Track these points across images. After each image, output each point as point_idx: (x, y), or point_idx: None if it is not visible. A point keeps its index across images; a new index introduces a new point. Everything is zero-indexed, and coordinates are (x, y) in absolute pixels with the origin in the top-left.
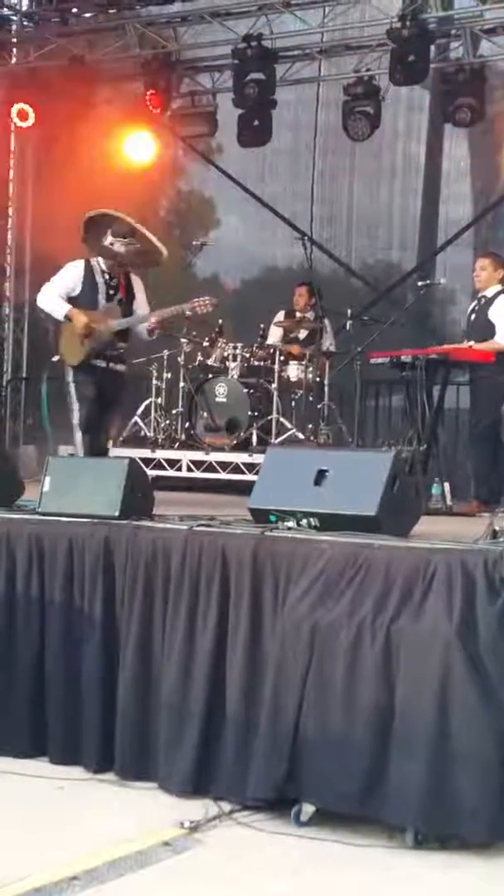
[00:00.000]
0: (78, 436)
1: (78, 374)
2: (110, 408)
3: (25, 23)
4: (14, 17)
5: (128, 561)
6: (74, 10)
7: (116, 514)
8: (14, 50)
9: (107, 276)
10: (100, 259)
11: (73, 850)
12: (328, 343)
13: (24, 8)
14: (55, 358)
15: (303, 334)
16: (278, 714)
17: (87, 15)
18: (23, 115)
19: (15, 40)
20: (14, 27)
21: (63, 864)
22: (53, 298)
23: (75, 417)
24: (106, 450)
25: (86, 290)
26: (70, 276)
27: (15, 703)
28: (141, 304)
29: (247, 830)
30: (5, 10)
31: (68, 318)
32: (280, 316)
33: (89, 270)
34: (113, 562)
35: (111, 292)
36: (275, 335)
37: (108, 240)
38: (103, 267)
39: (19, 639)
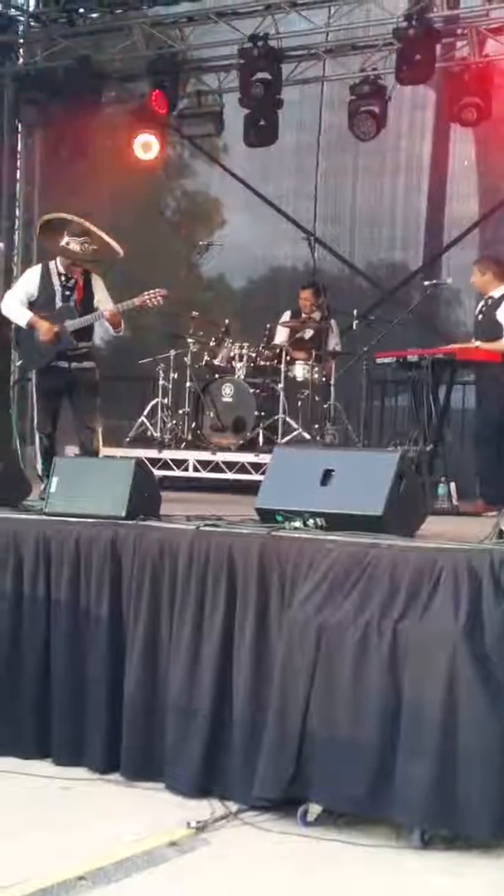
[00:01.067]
0: (37, 438)
1: (39, 377)
2: (86, 407)
3: (32, 23)
4: (21, 18)
5: (134, 561)
6: (81, 10)
7: (123, 514)
8: (21, 51)
9: (63, 278)
10: (58, 261)
11: (79, 850)
12: (334, 343)
13: (31, 8)
14: (19, 363)
15: (309, 334)
16: (285, 714)
17: (94, 15)
18: (31, 116)
19: (22, 41)
20: (21, 28)
21: (70, 864)
22: (15, 305)
23: (35, 420)
24: (97, 450)
25: (42, 293)
26: (28, 282)
27: (20, 705)
28: (102, 301)
29: (253, 830)
30: (12, 10)
31: (30, 325)
32: (286, 316)
33: (46, 273)
34: (120, 562)
35: (67, 293)
36: (281, 335)
37: (65, 240)
38: (60, 269)
39: (25, 639)
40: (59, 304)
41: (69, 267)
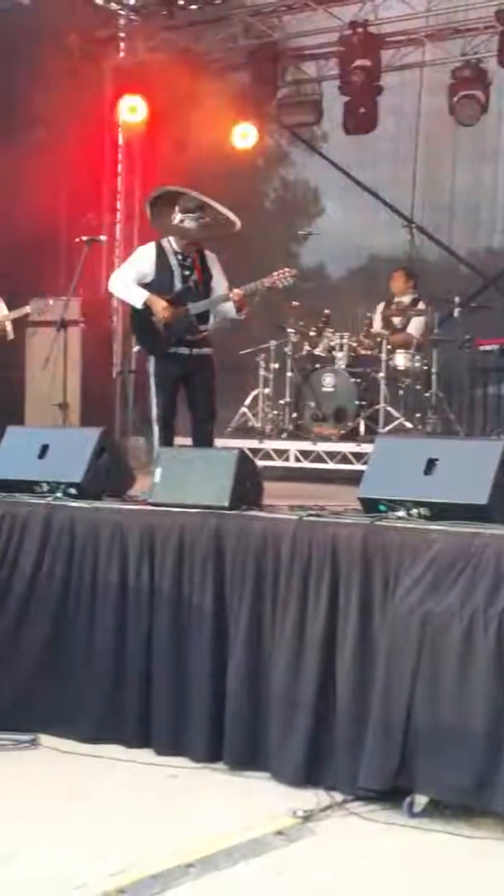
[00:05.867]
0: (155, 430)
1: (158, 364)
2: (205, 396)
3: (132, 17)
4: (122, 12)
5: (237, 551)
6: (181, 2)
7: (226, 504)
8: (122, 44)
9: (180, 257)
10: (171, 239)
11: (187, 838)
12: (429, 328)
13: (132, 2)
14: (136, 348)
15: (405, 321)
16: (389, 704)
17: (193, 7)
18: (133, 109)
19: (123, 35)
20: (122, 22)
21: (178, 851)
22: (127, 285)
23: (153, 411)
24: (212, 442)
25: (160, 273)
26: (142, 261)
27: (124, 693)
28: (218, 282)
29: (359, 820)
30: (113, 4)
31: (147, 304)
32: (383, 305)
33: (161, 252)
34: (223, 552)
35: (186, 273)
36: (379, 324)
37: (177, 217)
38: (176, 247)
39: (129, 629)
40: (178, 285)
41: (185, 246)
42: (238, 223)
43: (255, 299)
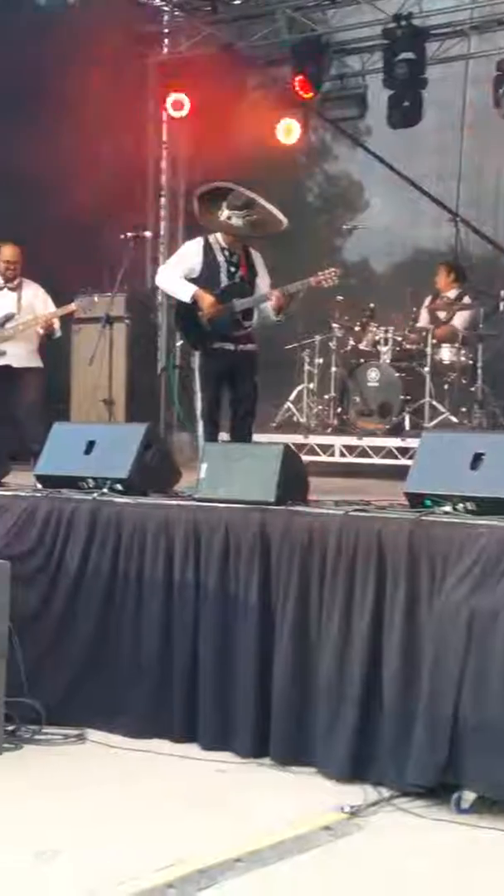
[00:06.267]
0: (199, 426)
1: (203, 359)
2: (247, 393)
3: (176, 13)
4: (165, 8)
5: (283, 546)
6: None
7: (272, 499)
8: (166, 40)
9: (227, 253)
10: (218, 236)
11: (235, 832)
12: (474, 322)
13: None
14: (179, 343)
15: (450, 315)
16: (437, 700)
17: (237, 2)
18: (177, 105)
19: (166, 31)
20: (165, 18)
21: (226, 846)
22: (174, 280)
23: (198, 407)
24: (250, 434)
25: (206, 269)
26: (189, 256)
27: (170, 688)
28: (263, 280)
29: (407, 816)
30: (156, 1)
31: (194, 299)
32: (429, 300)
33: (208, 247)
34: (269, 547)
35: (232, 270)
36: (426, 318)
37: (225, 214)
38: (223, 243)
39: (175, 624)
40: (224, 281)
41: (231, 242)
42: (285, 222)
43: (299, 296)
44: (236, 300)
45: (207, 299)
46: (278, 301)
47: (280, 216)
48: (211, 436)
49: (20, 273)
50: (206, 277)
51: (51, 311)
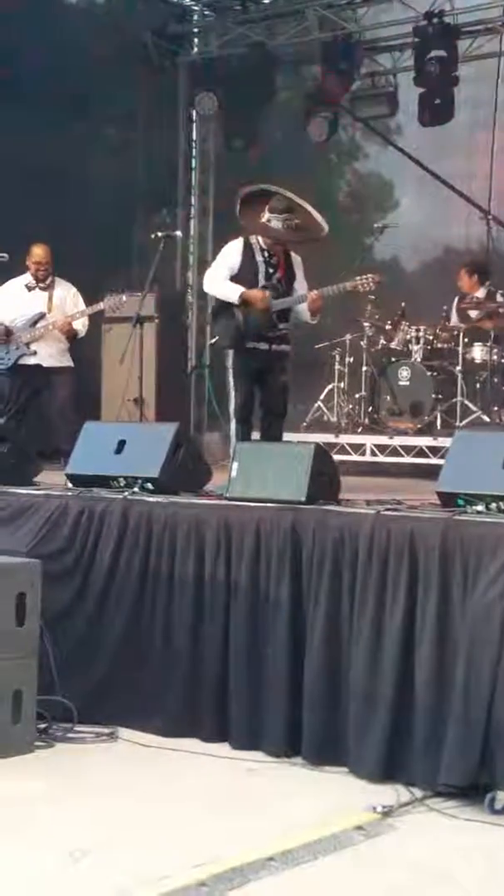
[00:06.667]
0: (232, 425)
1: (237, 358)
2: (279, 392)
3: (206, 12)
4: (196, 8)
5: (315, 546)
6: None
7: (303, 498)
8: (196, 40)
9: (266, 254)
10: (259, 237)
11: (267, 832)
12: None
13: None
14: (211, 341)
15: (481, 314)
16: (470, 700)
17: (267, 1)
18: (206, 104)
19: (197, 30)
20: (196, 17)
21: (258, 845)
22: (220, 282)
23: (231, 405)
24: (280, 434)
25: (245, 268)
26: (231, 256)
27: (201, 688)
28: (301, 284)
29: (440, 817)
30: (187, 0)
31: (244, 299)
32: (457, 300)
33: (248, 249)
34: (300, 547)
35: (270, 271)
36: (457, 317)
37: (266, 216)
38: (263, 245)
39: (206, 623)
40: (262, 281)
41: (272, 245)
42: (326, 229)
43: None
44: (273, 300)
45: (257, 294)
46: (315, 303)
47: (322, 222)
48: (244, 435)
49: (52, 273)
50: (243, 276)
51: (80, 310)
